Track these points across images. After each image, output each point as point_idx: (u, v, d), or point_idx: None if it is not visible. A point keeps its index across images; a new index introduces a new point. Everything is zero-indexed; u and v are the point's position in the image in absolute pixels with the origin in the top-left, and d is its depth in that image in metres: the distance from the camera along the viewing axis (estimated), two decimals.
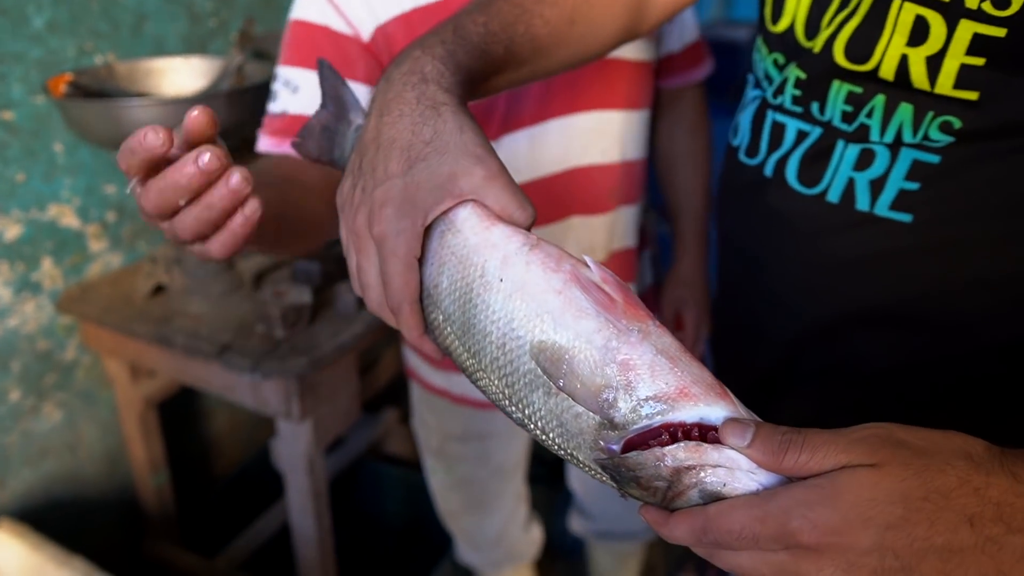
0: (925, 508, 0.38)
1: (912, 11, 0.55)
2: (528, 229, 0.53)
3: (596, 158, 1.03)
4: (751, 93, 0.73)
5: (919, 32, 0.55)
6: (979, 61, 0.53)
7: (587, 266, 0.49)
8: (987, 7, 0.51)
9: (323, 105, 0.62)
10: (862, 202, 0.61)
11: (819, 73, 0.62)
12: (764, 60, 0.68)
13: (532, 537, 1.49)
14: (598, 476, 0.48)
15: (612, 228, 1.08)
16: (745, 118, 0.72)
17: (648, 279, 1.26)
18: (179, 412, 1.61)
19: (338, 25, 0.89)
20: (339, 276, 1.31)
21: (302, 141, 0.63)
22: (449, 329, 0.52)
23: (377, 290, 0.53)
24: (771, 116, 0.68)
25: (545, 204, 1.02)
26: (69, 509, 1.43)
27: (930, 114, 0.56)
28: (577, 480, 1.47)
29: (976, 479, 0.38)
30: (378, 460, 1.75)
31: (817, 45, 0.61)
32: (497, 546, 1.43)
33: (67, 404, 1.40)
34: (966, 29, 0.53)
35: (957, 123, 0.56)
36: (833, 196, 0.62)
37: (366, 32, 0.89)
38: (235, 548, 1.47)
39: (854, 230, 0.61)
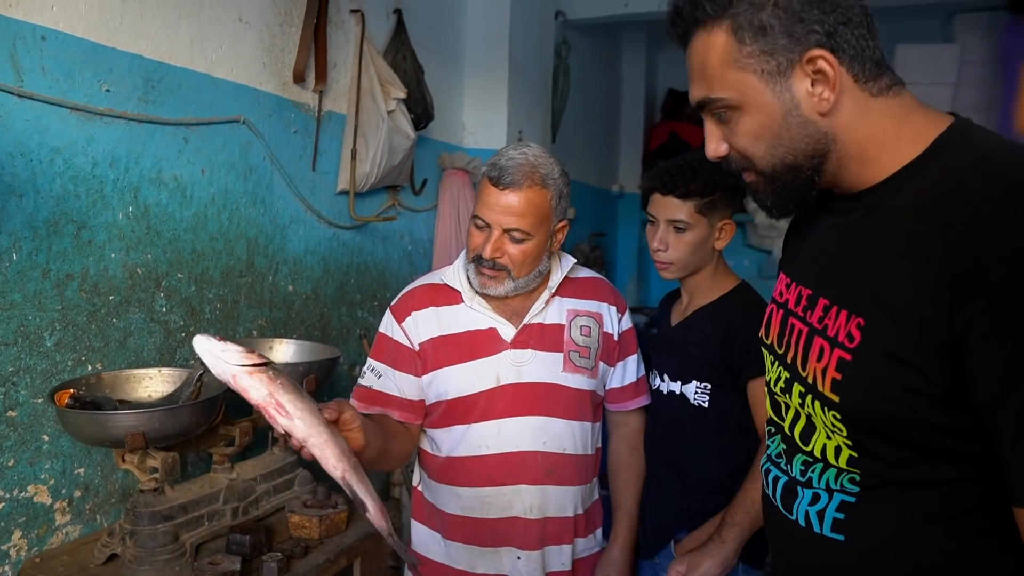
0: None
1: (826, 425, 0.90)
2: None
3: (539, 447, 1.48)
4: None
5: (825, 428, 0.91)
6: (849, 443, 0.88)
7: None
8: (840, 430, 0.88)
9: None
10: (815, 525, 0.93)
11: (788, 448, 0.99)
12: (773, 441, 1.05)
13: None
14: None
15: (543, 499, 1.48)
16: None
17: (596, 547, 1.63)
18: None
19: (404, 340, 1.51)
20: (266, 547, 1.60)
21: None
22: None
23: None
24: (767, 465, 1.05)
25: (503, 473, 1.47)
26: None
27: (833, 472, 0.89)
28: None
29: None
30: None
31: (786, 430, 0.99)
32: None
33: None
34: (834, 438, 0.89)
35: (858, 477, 0.87)
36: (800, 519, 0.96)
37: (416, 345, 1.50)
38: None
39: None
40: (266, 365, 1.06)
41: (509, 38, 3.31)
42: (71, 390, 1.47)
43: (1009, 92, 4.12)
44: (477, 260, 1.45)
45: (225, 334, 2.04)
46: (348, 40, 2.49)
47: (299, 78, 2.25)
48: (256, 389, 1.05)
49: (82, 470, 1.71)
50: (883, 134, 0.86)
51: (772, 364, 1.01)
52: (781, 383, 0.97)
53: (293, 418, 1.05)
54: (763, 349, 1.05)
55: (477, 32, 3.30)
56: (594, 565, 1.61)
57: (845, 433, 0.87)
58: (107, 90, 1.71)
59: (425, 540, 1.57)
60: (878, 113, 0.86)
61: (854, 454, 0.88)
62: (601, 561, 1.61)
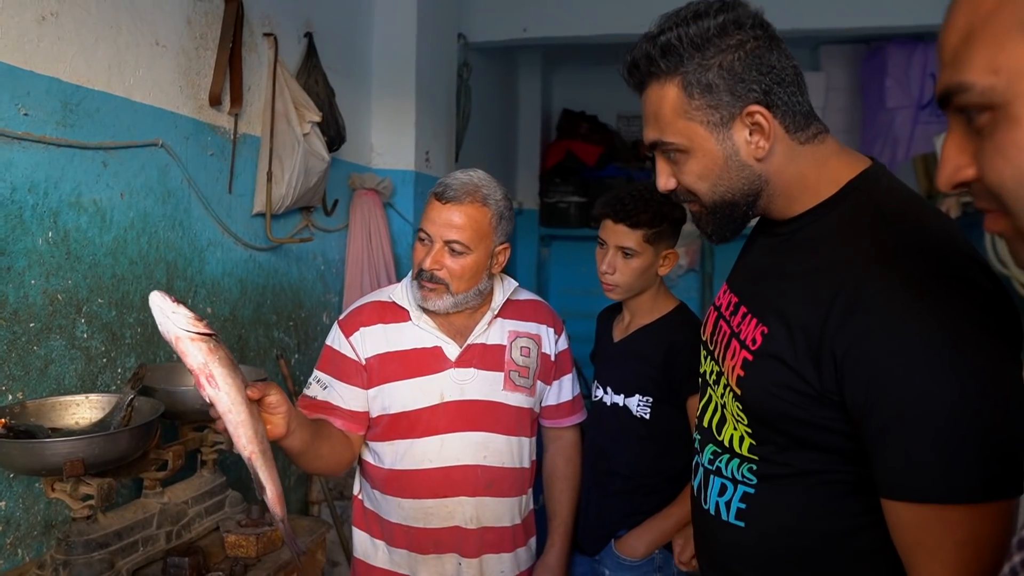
0: None
1: (734, 415, 1.02)
2: None
3: (480, 460, 1.57)
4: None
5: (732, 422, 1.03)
6: (749, 431, 1.01)
7: None
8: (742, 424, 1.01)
9: None
10: (723, 513, 1.05)
11: (703, 438, 1.11)
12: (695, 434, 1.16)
13: None
14: None
15: (481, 510, 1.57)
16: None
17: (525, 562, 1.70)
18: None
19: (351, 354, 1.58)
20: (204, 568, 1.61)
21: None
22: None
23: None
24: (695, 457, 1.15)
25: (445, 485, 1.54)
26: None
27: (736, 462, 1.02)
28: None
29: None
30: None
31: (704, 422, 1.10)
32: None
33: None
34: (739, 428, 1.02)
35: (756, 467, 1.00)
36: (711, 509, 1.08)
37: (363, 360, 1.57)
38: None
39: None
40: (210, 336, 1.12)
41: (416, 61, 3.39)
42: (2, 420, 1.44)
43: (869, 115, 4.54)
44: (419, 275, 1.53)
45: (147, 360, 2.03)
46: (262, 63, 2.51)
47: (215, 101, 2.26)
48: (194, 356, 1.11)
49: (2, 503, 1.67)
50: (806, 176, 0.99)
51: (705, 359, 1.15)
52: (712, 376, 1.11)
53: (220, 391, 1.12)
54: (702, 345, 1.19)
55: (384, 55, 3.37)
56: (530, 573, 1.71)
57: (746, 422, 1.01)
58: (25, 114, 1.68)
59: (367, 547, 1.64)
60: (804, 158, 0.99)
61: (753, 442, 1.01)
62: (538, 566, 1.72)
